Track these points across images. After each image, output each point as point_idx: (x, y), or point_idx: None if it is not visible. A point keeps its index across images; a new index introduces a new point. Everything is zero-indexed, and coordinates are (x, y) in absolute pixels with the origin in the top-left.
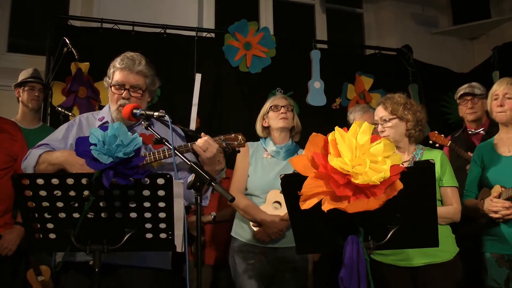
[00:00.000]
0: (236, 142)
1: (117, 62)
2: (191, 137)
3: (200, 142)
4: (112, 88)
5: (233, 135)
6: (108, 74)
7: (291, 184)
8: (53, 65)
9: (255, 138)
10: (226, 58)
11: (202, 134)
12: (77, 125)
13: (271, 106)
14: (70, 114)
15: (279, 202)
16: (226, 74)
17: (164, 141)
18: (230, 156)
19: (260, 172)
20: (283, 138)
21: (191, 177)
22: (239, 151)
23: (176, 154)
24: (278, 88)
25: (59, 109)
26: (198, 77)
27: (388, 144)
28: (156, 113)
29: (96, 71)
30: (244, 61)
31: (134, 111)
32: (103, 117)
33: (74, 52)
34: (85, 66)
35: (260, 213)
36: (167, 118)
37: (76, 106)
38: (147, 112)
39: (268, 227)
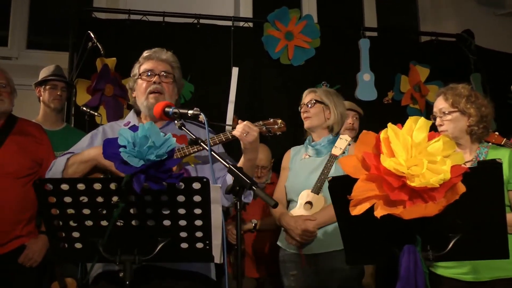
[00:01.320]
0: (276, 126)
1: (144, 54)
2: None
3: (239, 126)
4: (141, 77)
5: (271, 120)
6: (133, 72)
7: (340, 188)
8: (77, 61)
9: (300, 139)
10: (265, 50)
11: (239, 121)
12: (101, 134)
13: (300, 105)
14: (96, 114)
15: (310, 203)
16: (266, 68)
17: (200, 141)
18: (275, 159)
19: (295, 175)
20: (320, 135)
21: (230, 178)
22: (279, 134)
23: (213, 156)
24: (323, 82)
25: (84, 108)
26: (235, 71)
27: (448, 141)
28: (190, 111)
29: (124, 67)
30: (286, 52)
31: (167, 109)
32: (129, 122)
33: (100, 47)
34: (111, 62)
35: (285, 217)
36: (202, 117)
37: (102, 105)
38: (181, 111)
39: (291, 229)
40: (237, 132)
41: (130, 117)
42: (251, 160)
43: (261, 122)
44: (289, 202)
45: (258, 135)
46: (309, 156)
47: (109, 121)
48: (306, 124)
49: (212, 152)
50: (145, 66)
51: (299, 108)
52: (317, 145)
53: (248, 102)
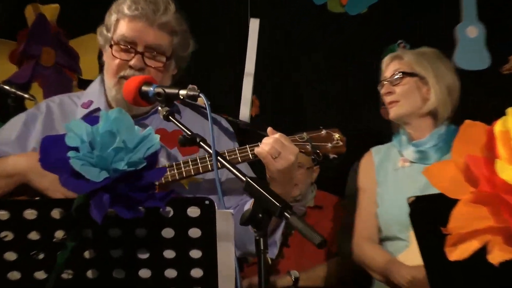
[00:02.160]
0: (329, 144)
1: (125, 5)
2: (246, 133)
3: (266, 143)
4: (114, 48)
5: (323, 132)
6: (107, 23)
7: (427, 214)
8: None
9: (364, 135)
10: None
11: (269, 129)
12: (43, 116)
13: (379, 82)
14: (26, 95)
15: None
16: (305, 19)
17: (198, 141)
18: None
19: (394, 194)
20: (421, 127)
21: (249, 205)
22: (335, 161)
23: (221, 165)
24: (400, 41)
25: (6, 87)
26: (254, 24)
27: None
28: (183, 91)
29: (73, 20)
30: None
31: (144, 88)
32: (90, 102)
33: None
34: (51, 10)
35: (400, 268)
36: (203, 99)
37: (37, 82)
38: (168, 91)
39: (392, 275)
40: (262, 150)
41: (95, 92)
42: (283, 194)
43: (304, 134)
44: (383, 240)
45: (297, 159)
46: (410, 162)
47: None
48: (393, 112)
49: (220, 158)
50: (123, 30)
51: (379, 88)
52: (424, 145)
53: (276, 75)
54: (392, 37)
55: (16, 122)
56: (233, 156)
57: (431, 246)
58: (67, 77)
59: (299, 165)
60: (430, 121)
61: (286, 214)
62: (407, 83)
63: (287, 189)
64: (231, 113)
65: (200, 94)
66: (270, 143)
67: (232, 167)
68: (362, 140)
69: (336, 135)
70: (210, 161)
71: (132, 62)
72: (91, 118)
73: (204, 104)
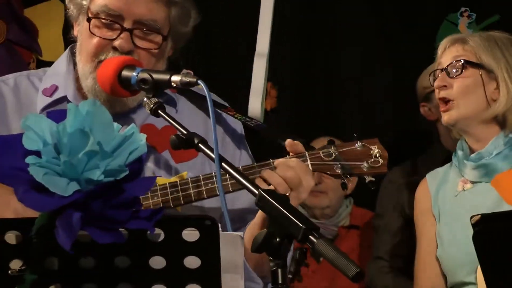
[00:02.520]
0: (365, 164)
1: None
2: (255, 133)
3: (282, 167)
4: (92, 22)
5: (358, 144)
6: None
7: (496, 236)
8: None
9: (419, 139)
10: None
11: (288, 142)
12: None
13: (430, 74)
14: None
15: None
16: None
17: (197, 142)
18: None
19: (452, 229)
20: (484, 137)
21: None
22: (372, 186)
23: (227, 174)
24: (463, 8)
25: None
26: None
27: None
28: (176, 78)
29: None
30: None
31: (125, 72)
32: (54, 87)
33: None
34: None
35: None
36: (202, 87)
37: None
38: (156, 76)
39: None
40: (271, 179)
41: (60, 73)
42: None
43: (331, 149)
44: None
45: (307, 194)
46: (472, 183)
47: None
48: (447, 116)
49: (225, 165)
50: None
51: (430, 78)
52: (486, 157)
53: (299, 56)
54: (453, 3)
55: None
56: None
57: (501, 277)
58: (21, 58)
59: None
60: (495, 128)
61: (311, 237)
62: (470, 76)
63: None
64: (241, 108)
65: (199, 81)
66: (284, 176)
67: (240, 176)
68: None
69: (375, 150)
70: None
71: (117, 42)
72: (56, 112)
73: (204, 91)
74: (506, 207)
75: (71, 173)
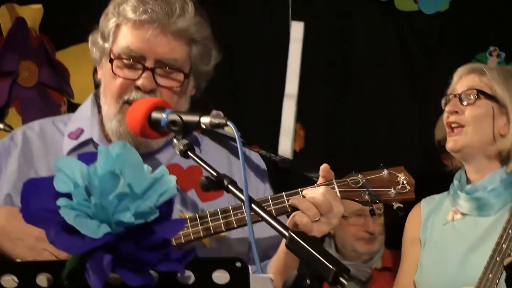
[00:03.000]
0: (393, 190)
1: (128, 5)
2: (286, 173)
3: (311, 193)
4: (115, 64)
5: (384, 172)
6: (103, 29)
7: None
8: None
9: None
10: None
11: (325, 165)
12: (19, 150)
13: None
14: (1, 127)
15: None
16: (366, 20)
17: (227, 184)
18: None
19: (434, 256)
20: (484, 170)
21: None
22: (400, 212)
23: (256, 216)
24: (492, 48)
25: None
26: (296, 28)
27: None
28: (206, 119)
29: (61, 25)
30: None
31: (155, 114)
32: (80, 130)
33: None
34: (33, 13)
35: None
36: (231, 128)
37: (14, 106)
38: (186, 118)
39: None
40: (301, 206)
41: (85, 117)
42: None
43: (359, 177)
44: None
45: (338, 220)
46: (463, 214)
47: None
48: (452, 142)
49: (255, 207)
50: (128, 39)
51: (442, 103)
52: (480, 190)
53: (327, 103)
54: (482, 42)
55: None
56: (269, 207)
57: None
58: (53, 100)
59: (378, 212)
60: (497, 164)
61: (341, 279)
62: (482, 106)
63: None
64: (265, 146)
65: (228, 122)
66: (313, 201)
67: (270, 217)
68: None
69: (402, 177)
70: (240, 213)
71: (139, 82)
72: (87, 154)
73: (234, 133)
74: (489, 244)
75: (102, 215)
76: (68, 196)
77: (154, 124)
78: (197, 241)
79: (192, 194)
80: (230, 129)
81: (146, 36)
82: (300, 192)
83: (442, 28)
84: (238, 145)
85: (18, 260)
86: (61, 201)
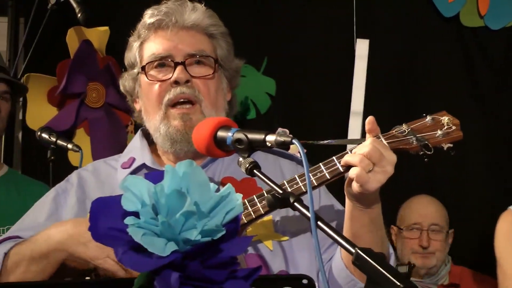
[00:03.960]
0: (439, 132)
1: (146, 17)
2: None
3: (360, 147)
4: (147, 70)
5: (428, 118)
6: (129, 60)
7: None
8: (25, 37)
9: None
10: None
11: (370, 118)
12: (75, 188)
13: None
14: (69, 146)
15: None
16: (428, 38)
17: (292, 201)
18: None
19: None
20: None
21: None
22: (451, 150)
23: (321, 230)
24: None
25: (44, 136)
26: (361, 45)
27: None
28: (271, 138)
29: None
30: (472, 1)
31: (221, 133)
32: (133, 159)
33: (74, 4)
34: (99, 35)
35: None
36: (297, 147)
37: (82, 127)
38: (251, 136)
39: None
40: (353, 160)
41: (136, 147)
42: (375, 221)
43: (404, 127)
44: None
45: (393, 167)
46: None
47: (97, 158)
48: None
49: (323, 225)
50: (152, 47)
51: None
52: None
53: (394, 120)
54: None
55: (44, 202)
56: (318, 175)
57: None
58: (119, 120)
59: (436, 228)
60: None
61: None
62: None
63: (380, 233)
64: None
65: (294, 140)
66: (363, 153)
67: (336, 234)
68: None
69: (445, 119)
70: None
71: (174, 76)
72: (154, 174)
73: (299, 151)
74: None
75: (169, 233)
76: (136, 214)
77: (220, 143)
78: (262, 244)
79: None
80: (296, 147)
81: (167, 37)
82: (349, 151)
83: (509, 44)
84: (304, 163)
85: (87, 278)
86: (128, 220)
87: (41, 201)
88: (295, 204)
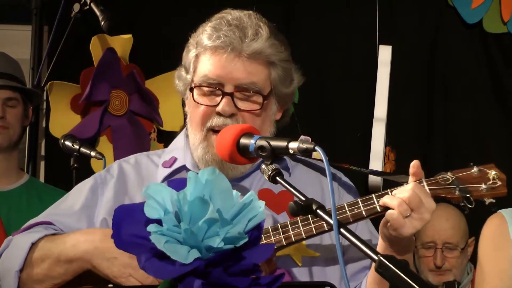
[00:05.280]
0: (484, 186)
1: (204, 35)
2: (376, 190)
3: (400, 190)
4: (195, 92)
5: (474, 169)
6: (185, 62)
7: None
8: (49, 45)
9: None
10: (450, 5)
11: (415, 162)
12: (114, 180)
13: None
14: (92, 153)
15: None
16: (451, 44)
17: (315, 208)
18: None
19: None
20: None
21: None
22: (493, 207)
23: (344, 237)
24: None
25: (67, 143)
26: (384, 51)
27: None
28: (294, 145)
29: (151, 54)
30: (495, 9)
31: (244, 140)
32: (174, 159)
33: (98, 12)
34: (123, 42)
35: None
36: (319, 153)
37: (105, 135)
38: (274, 143)
39: None
40: (391, 203)
41: (179, 148)
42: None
43: (449, 175)
44: None
45: (431, 215)
46: None
47: None
48: None
49: (346, 232)
50: (206, 67)
51: None
52: None
53: (418, 127)
54: None
55: (81, 189)
56: (355, 210)
57: None
58: (143, 128)
59: (451, 246)
60: None
61: None
62: None
63: (410, 248)
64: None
65: (316, 147)
66: (403, 197)
67: (360, 242)
68: None
69: (492, 173)
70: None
71: (220, 107)
72: (176, 181)
73: (322, 159)
74: None
75: (192, 240)
76: (159, 222)
77: (242, 150)
78: (290, 260)
79: (283, 217)
80: (318, 154)
81: (222, 62)
82: (389, 192)
83: None
84: (327, 170)
85: (110, 286)
86: (151, 227)
87: (79, 188)
88: (318, 211)
